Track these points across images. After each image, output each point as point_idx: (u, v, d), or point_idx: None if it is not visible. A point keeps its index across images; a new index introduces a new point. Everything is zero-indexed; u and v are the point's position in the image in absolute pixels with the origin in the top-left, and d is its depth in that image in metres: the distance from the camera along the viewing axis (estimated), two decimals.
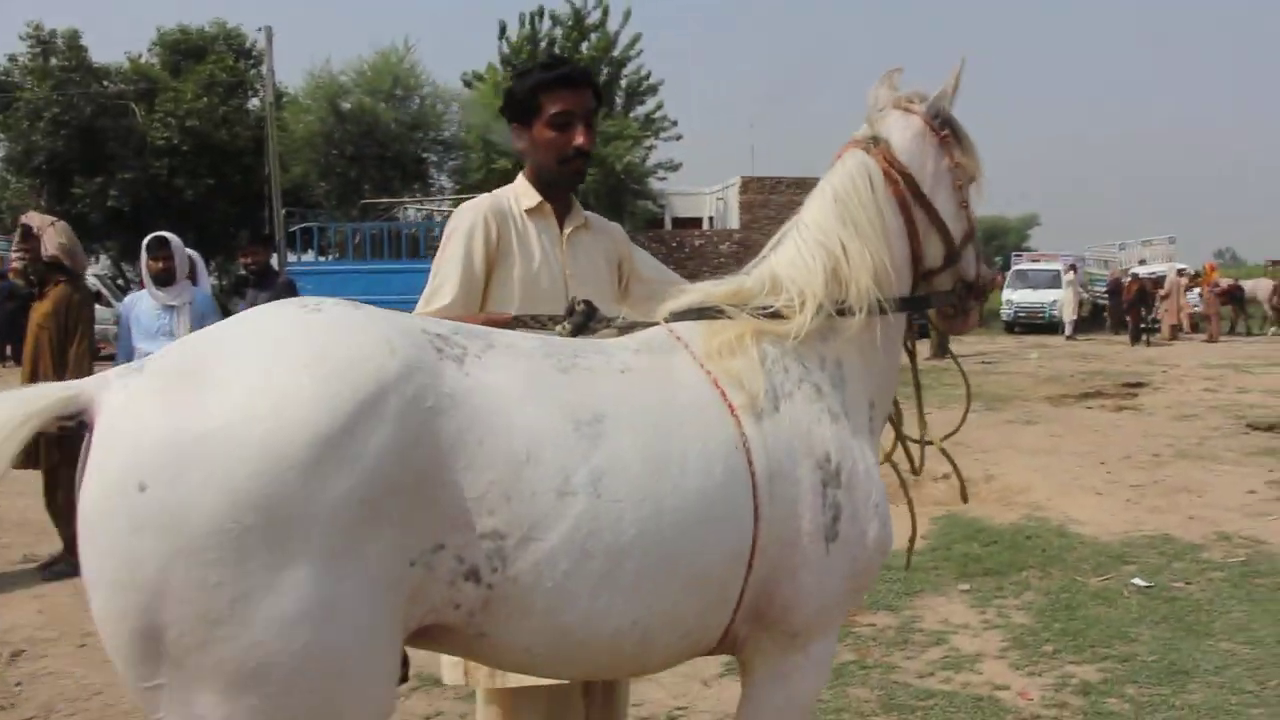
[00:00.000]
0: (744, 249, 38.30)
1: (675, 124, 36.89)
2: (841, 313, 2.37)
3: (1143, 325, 27.54)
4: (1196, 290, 31.00)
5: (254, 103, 28.47)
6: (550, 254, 2.93)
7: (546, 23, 35.94)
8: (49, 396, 1.78)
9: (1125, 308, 28.84)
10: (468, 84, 34.11)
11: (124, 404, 1.74)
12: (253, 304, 7.46)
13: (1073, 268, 32.26)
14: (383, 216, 21.96)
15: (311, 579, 1.68)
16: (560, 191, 3.00)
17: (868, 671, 4.71)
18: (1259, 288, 32.26)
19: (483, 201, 2.93)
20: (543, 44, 35.73)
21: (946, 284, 2.61)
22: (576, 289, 2.86)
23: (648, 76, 36.69)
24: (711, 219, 43.57)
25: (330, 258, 18.22)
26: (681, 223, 42.82)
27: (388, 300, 13.27)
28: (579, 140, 2.87)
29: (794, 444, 2.20)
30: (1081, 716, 4.29)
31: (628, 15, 36.29)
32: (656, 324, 2.41)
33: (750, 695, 2.36)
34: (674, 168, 37.35)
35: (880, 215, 2.44)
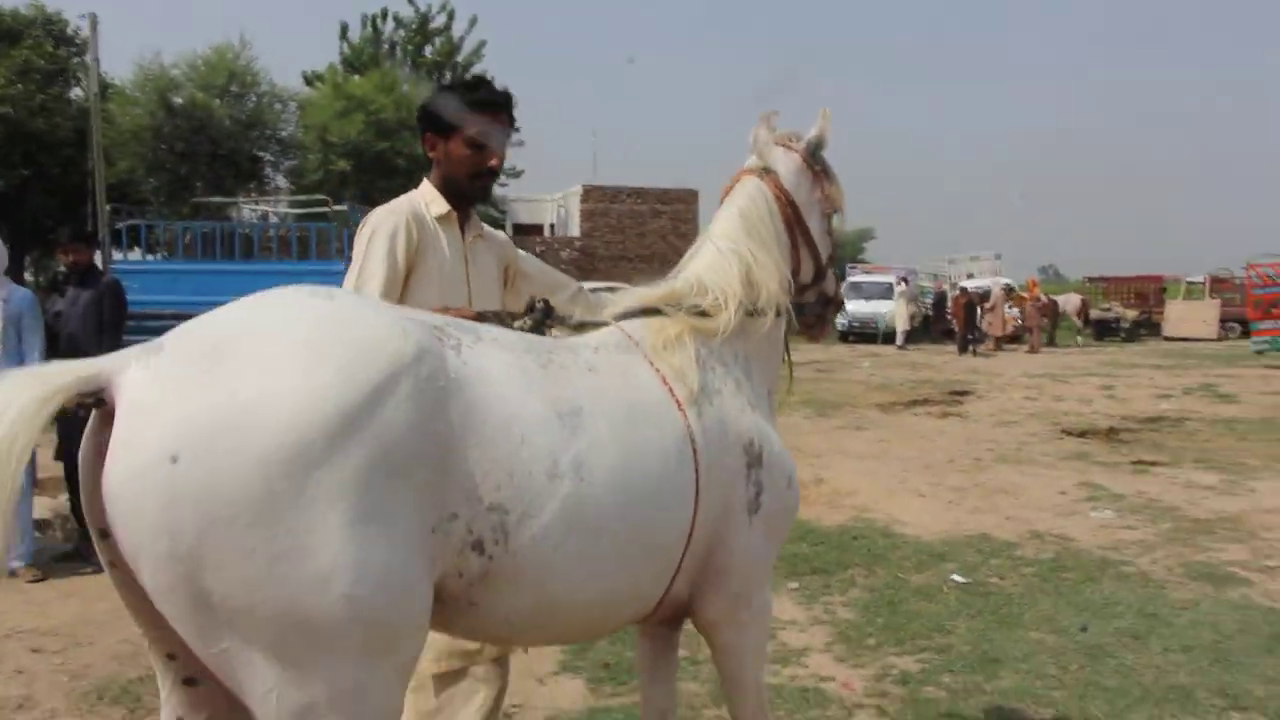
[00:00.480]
0: (585, 256, 38.54)
1: (518, 130, 36.77)
2: (751, 314, 2.74)
3: (970, 337, 28.79)
4: (1011, 307, 32.44)
5: (76, 92, 27.05)
6: (455, 259, 3.11)
7: (390, 25, 35.50)
8: (72, 374, 1.82)
9: (952, 320, 30.14)
10: (308, 83, 33.34)
11: (149, 381, 1.81)
12: (73, 304, 7.06)
13: (904, 280, 33.50)
14: (215, 216, 21.23)
15: (342, 540, 1.79)
16: (467, 203, 3.18)
17: (698, 666, 4.79)
18: (1068, 302, 34.24)
19: (402, 205, 3.07)
20: (385, 47, 35.23)
21: (811, 297, 3.05)
22: (476, 290, 3.12)
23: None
24: (553, 226, 43.58)
25: (158, 256, 17.51)
26: (523, 229, 42.69)
27: (219, 302, 12.74)
28: (492, 161, 3.09)
29: (724, 433, 2.54)
30: (901, 704, 4.46)
31: (473, 21, 36.15)
32: (606, 324, 2.70)
33: (722, 651, 2.77)
34: (516, 174, 37.31)
35: (776, 233, 2.85)
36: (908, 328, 31.17)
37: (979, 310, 29.85)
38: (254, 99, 28.16)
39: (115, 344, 6.92)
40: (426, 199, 3.15)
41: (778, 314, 2.80)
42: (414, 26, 35.60)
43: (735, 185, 2.93)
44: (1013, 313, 32.52)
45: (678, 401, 2.49)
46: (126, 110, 26.22)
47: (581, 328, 2.78)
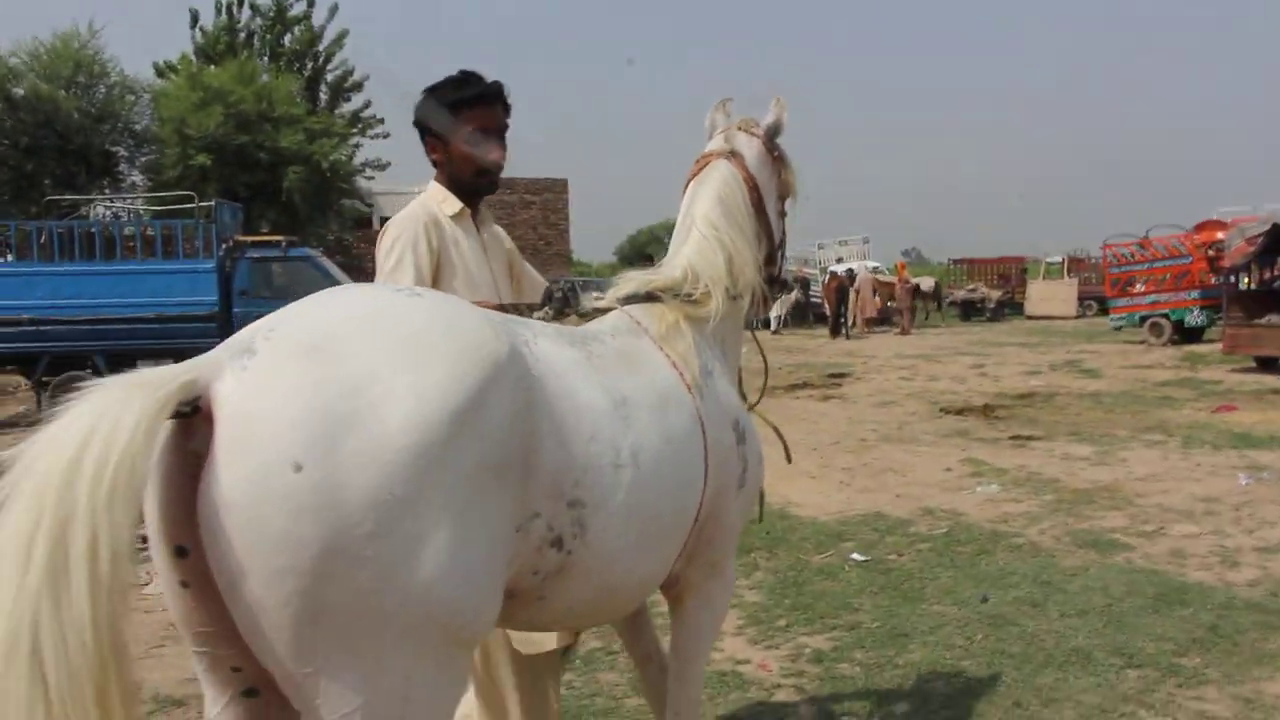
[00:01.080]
0: None
1: (383, 121, 36.05)
2: (733, 299, 2.88)
3: (841, 320, 29.37)
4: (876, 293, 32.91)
5: None
6: (476, 254, 3.17)
7: (246, 12, 34.31)
8: (175, 380, 1.71)
9: (823, 303, 30.72)
10: (160, 74, 32.03)
11: (255, 385, 1.73)
12: None
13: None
14: (68, 214, 20.25)
15: (449, 542, 1.77)
16: (477, 198, 3.22)
17: (614, 656, 4.75)
18: (923, 285, 35.29)
19: (416, 210, 3.11)
20: (241, 35, 34.04)
21: (764, 278, 3.10)
22: (500, 282, 3.21)
23: (352, 72, 35.66)
24: None
25: (7, 259, 16.61)
26: None
27: (81, 305, 12.27)
28: (494, 155, 3.10)
29: (720, 413, 2.65)
30: (818, 682, 4.49)
31: (334, 10, 35.10)
32: (613, 309, 2.76)
33: (684, 622, 2.85)
34: (382, 166, 36.38)
35: (749, 216, 2.97)
36: (780, 313, 31.63)
37: (850, 293, 30.47)
38: (104, 90, 26.86)
39: None
40: (438, 200, 3.17)
41: (754, 298, 2.96)
42: (271, 14, 34.47)
43: (705, 168, 3.01)
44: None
45: (687, 385, 2.58)
46: None
47: (592, 316, 2.83)
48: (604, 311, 2.80)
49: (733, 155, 3.02)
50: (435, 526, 1.75)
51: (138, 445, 1.62)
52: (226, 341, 1.88)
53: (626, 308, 2.74)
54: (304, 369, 1.74)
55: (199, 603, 1.83)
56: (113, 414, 1.64)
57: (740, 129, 3.11)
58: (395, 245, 3.03)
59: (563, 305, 2.88)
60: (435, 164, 3.19)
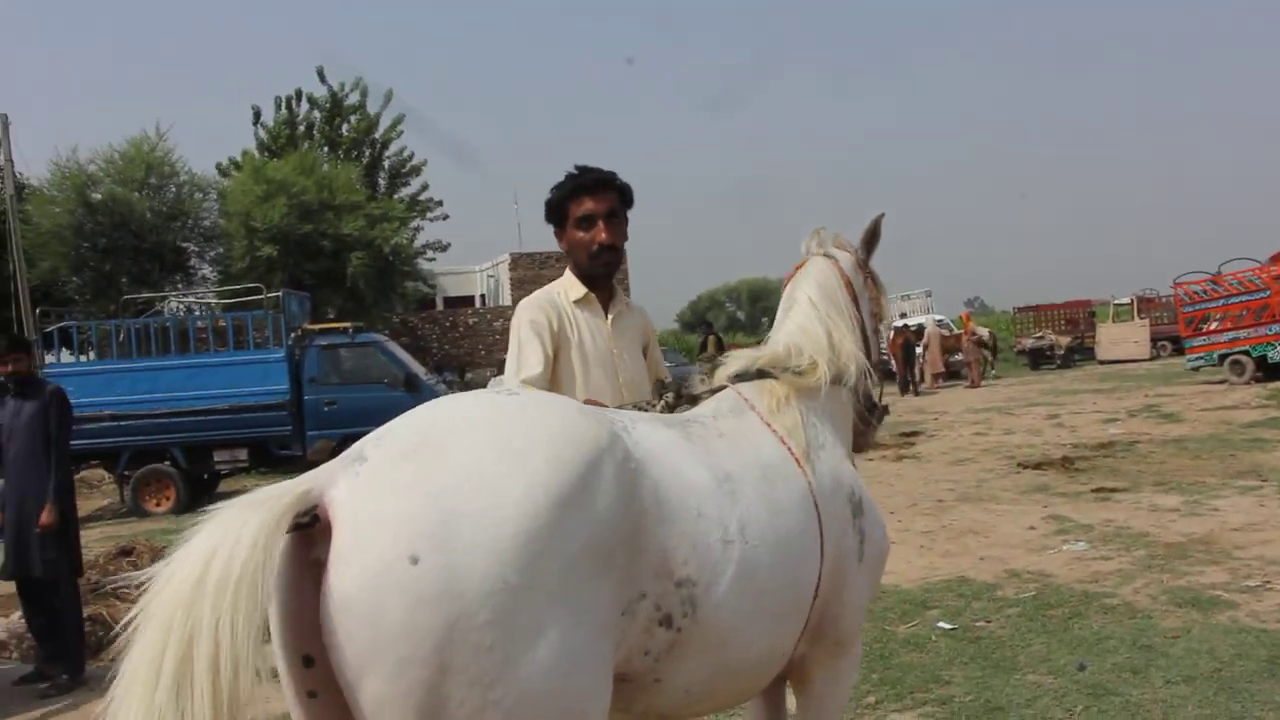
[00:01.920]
0: None
1: (441, 204, 36.76)
2: (836, 375, 2.91)
3: (909, 376, 29.00)
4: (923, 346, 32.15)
5: None
6: (598, 335, 3.34)
7: (304, 106, 35.27)
8: (291, 494, 1.82)
9: (890, 360, 30.36)
10: (224, 172, 32.93)
11: (367, 488, 1.82)
12: (16, 415, 6.68)
13: None
14: (144, 311, 20.78)
15: (561, 629, 1.81)
16: (601, 282, 3.40)
17: None
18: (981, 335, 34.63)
19: (539, 296, 3.34)
20: (301, 128, 34.97)
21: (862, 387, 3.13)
22: (621, 364, 3.34)
23: (411, 157, 36.45)
24: (484, 297, 43.46)
25: (89, 357, 17.07)
26: (454, 302, 42.51)
27: (158, 399, 12.44)
28: (601, 237, 3.27)
29: (834, 485, 2.65)
30: None
31: (389, 96, 36.01)
32: (724, 387, 2.84)
33: (812, 701, 2.79)
34: (443, 248, 37.09)
35: (845, 303, 3.06)
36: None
37: (917, 349, 30.12)
38: (174, 189, 27.70)
39: (62, 454, 6.61)
40: (565, 286, 3.39)
41: (855, 374, 2.97)
42: (328, 106, 35.40)
43: (803, 266, 3.18)
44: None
45: (796, 459, 2.61)
46: (44, 210, 25.65)
47: (699, 397, 2.91)
48: (715, 391, 2.87)
49: (828, 256, 3.19)
50: (549, 614, 1.79)
51: (258, 559, 1.71)
52: (341, 455, 1.96)
53: (736, 385, 2.82)
54: (412, 468, 1.83)
55: (326, 712, 1.89)
56: (234, 531, 1.73)
57: (836, 244, 3.29)
58: (521, 327, 3.27)
59: (676, 397, 2.95)
60: (567, 253, 3.41)
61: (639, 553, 2.03)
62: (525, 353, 3.22)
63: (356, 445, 1.95)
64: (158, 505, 15.08)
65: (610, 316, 3.41)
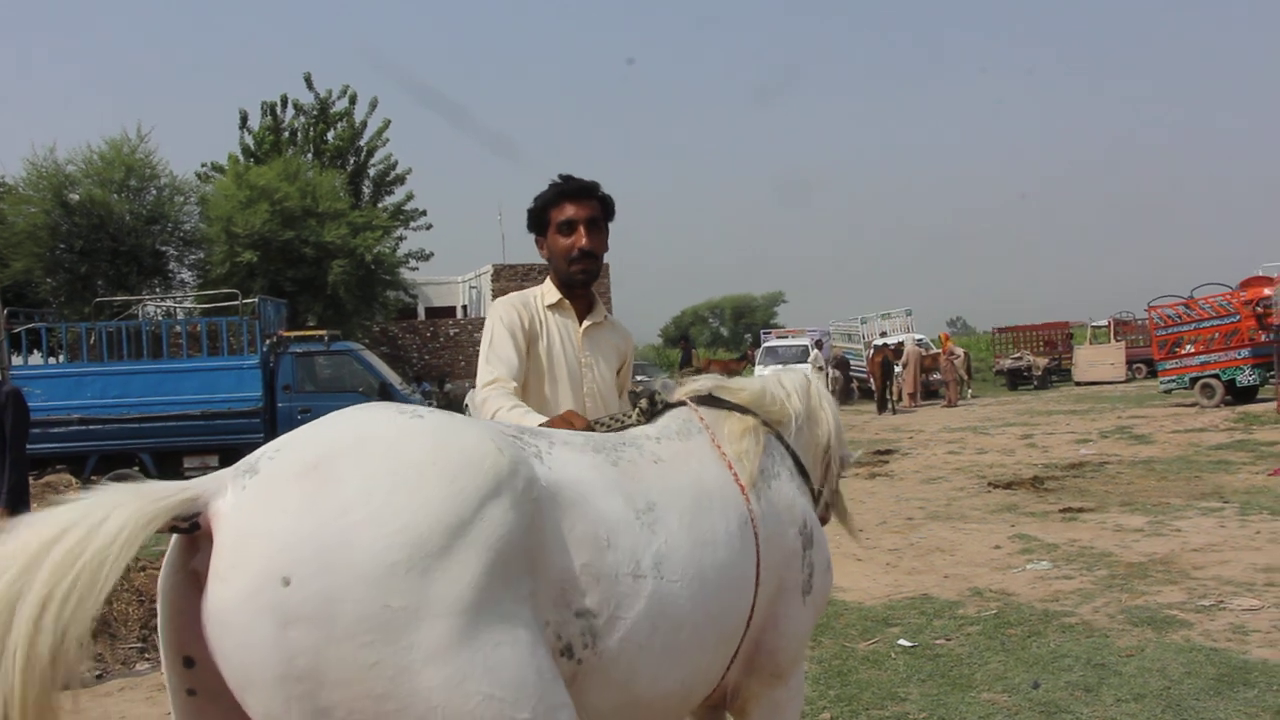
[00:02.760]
0: None
1: (424, 214, 36.75)
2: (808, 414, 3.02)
3: (887, 394, 29.08)
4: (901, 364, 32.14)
5: None
6: (567, 342, 3.39)
7: (290, 111, 35.26)
8: (174, 496, 1.81)
9: (869, 378, 30.44)
10: (207, 176, 32.85)
11: (251, 503, 1.81)
12: None
13: (818, 343, 33.79)
14: (119, 315, 20.68)
15: (467, 645, 1.81)
16: (578, 290, 3.44)
17: None
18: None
19: (513, 296, 3.41)
20: (285, 134, 34.94)
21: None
22: (586, 372, 3.40)
23: (395, 165, 36.45)
24: (465, 308, 43.42)
25: (60, 360, 16.96)
26: (435, 312, 42.47)
27: (129, 404, 12.38)
28: (581, 242, 3.31)
29: (781, 513, 2.66)
30: None
31: (374, 104, 35.99)
32: (684, 403, 2.84)
33: None
34: (425, 258, 37.07)
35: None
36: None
37: (896, 367, 30.21)
38: (154, 192, 27.53)
39: (19, 457, 6.57)
40: (542, 291, 3.46)
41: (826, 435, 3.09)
42: (314, 113, 35.39)
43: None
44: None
45: (740, 485, 2.60)
46: (20, 210, 25.47)
47: (656, 413, 2.90)
48: (672, 406, 2.86)
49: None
50: (449, 632, 1.79)
51: (114, 549, 1.69)
52: (237, 464, 1.94)
53: (697, 406, 2.82)
54: (300, 489, 1.81)
55: (203, 711, 1.94)
56: (100, 513, 1.72)
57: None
58: (495, 323, 3.33)
59: (650, 409, 2.87)
60: (547, 260, 3.46)
61: (540, 581, 2.01)
62: (497, 348, 3.25)
63: (253, 455, 1.94)
64: None
65: (584, 325, 3.45)
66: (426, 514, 1.83)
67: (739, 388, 2.93)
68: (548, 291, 3.44)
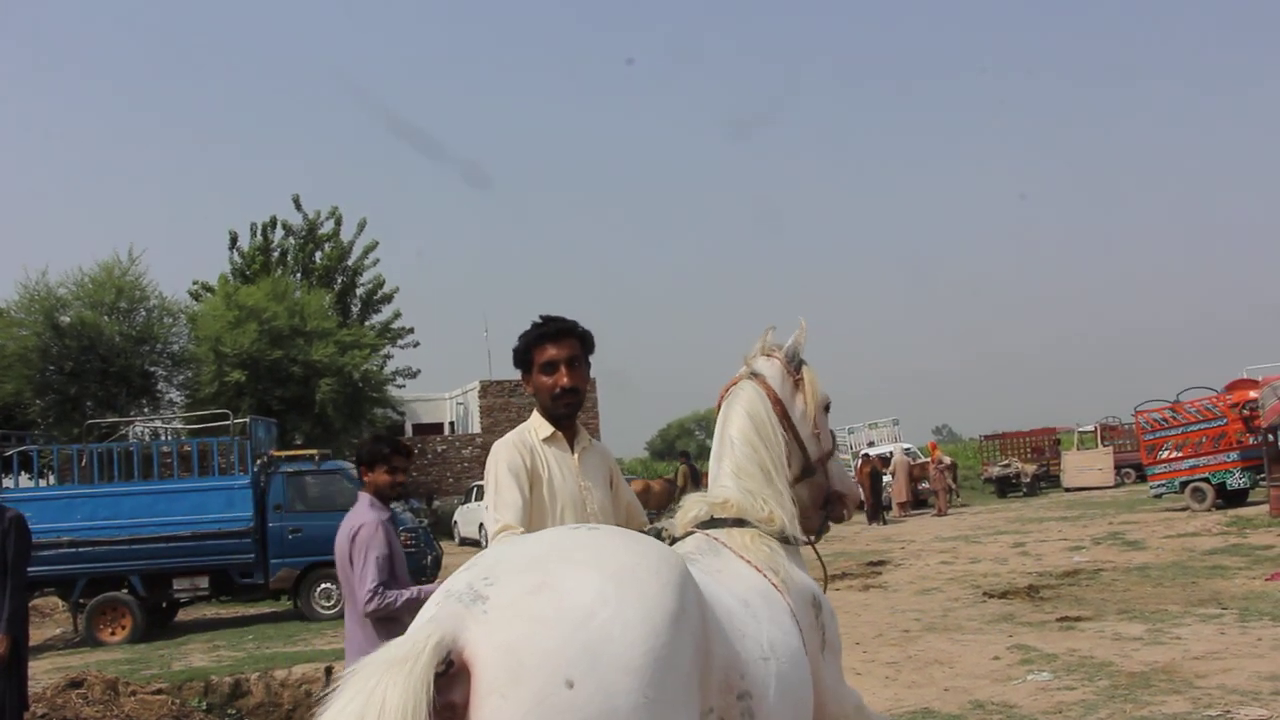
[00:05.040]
0: (487, 453, 38.01)
1: (412, 331, 37.07)
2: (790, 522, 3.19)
3: (876, 504, 28.96)
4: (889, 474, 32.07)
5: None
6: (566, 472, 3.55)
7: (279, 232, 35.77)
8: (427, 650, 1.89)
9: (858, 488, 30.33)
10: (196, 296, 33.13)
11: (509, 625, 1.95)
12: None
13: None
14: (108, 436, 20.63)
15: None
16: (565, 421, 3.62)
17: None
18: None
19: (512, 437, 3.57)
20: (275, 254, 35.39)
21: (804, 492, 3.42)
22: (587, 496, 3.55)
23: (383, 284, 36.87)
24: (453, 424, 43.42)
25: (50, 482, 16.84)
26: (423, 428, 42.42)
27: (119, 526, 12.25)
28: (563, 381, 3.52)
29: (800, 597, 2.93)
30: None
31: (362, 225, 36.59)
32: (694, 533, 3.08)
33: None
34: (412, 375, 37.27)
35: (776, 431, 3.27)
36: None
37: (885, 477, 30.16)
38: (144, 313, 27.72)
39: (19, 583, 6.51)
40: (534, 426, 3.62)
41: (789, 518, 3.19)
42: (303, 233, 35.91)
43: (733, 387, 3.40)
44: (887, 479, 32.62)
45: (774, 584, 2.86)
46: (11, 332, 25.60)
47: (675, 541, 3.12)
48: (686, 535, 3.11)
49: (754, 375, 3.39)
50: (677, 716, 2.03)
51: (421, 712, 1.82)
52: (440, 595, 2.09)
53: (709, 531, 3.06)
54: (542, 603, 1.98)
55: None
56: (378, 697, 1.83)
57: (761, 352, 3.48)
58: (497, 467, 3.47)
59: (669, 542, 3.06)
60: (534, 396, 3.64)
61: (709, 670, 2.22)
62: (503, 495, 3.39)
63: (458, 584, 2.08)
64: (113, 634, 14.68)
65: (576, 453, 3.64)
66: (655, 606, 2.04)
67: (721, 500, 3.15)
68: (539, 426, 3.62)
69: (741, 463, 3.23)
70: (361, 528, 5.04)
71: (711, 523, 3.09)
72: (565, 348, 3.57)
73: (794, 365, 3.47)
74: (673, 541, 3.08)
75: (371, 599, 4.88)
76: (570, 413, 3.61)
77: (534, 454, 3.53)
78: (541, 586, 2.02)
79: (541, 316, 3.63)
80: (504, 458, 3.49)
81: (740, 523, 3.08)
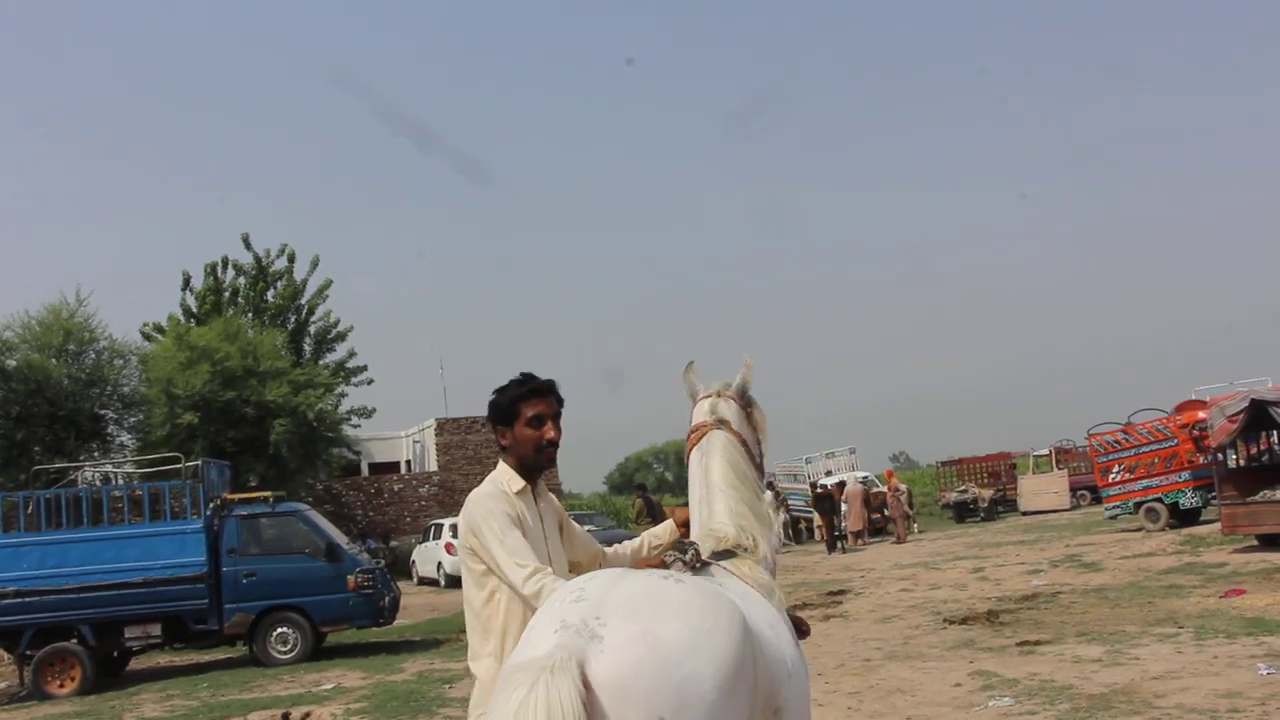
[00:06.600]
0: (444, 490, 37.94)
1: (366, 369, 36.72)
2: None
3: (836, 534, 29.03)
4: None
5: None
6: (535, 523, 3.75)
7: (230, 272, 35.40)
8: (572, 664, 2.42)
9: (815, 517, 30.37)
10: (147, 337, 32.71)
11: (617, 664, 2.44)
12: None
13: (770, 486, 33.78)
14: (56, 481, 20.25)
15: None
16: (536, 474, 3.86)
17: None
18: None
19: (490, 489, 3.75)
20: (226, 294, 35.02)
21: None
22: (552, 546, 3.80)
23: (337, 323, 36.54)
24: (409, 462, 43.03)
25: None
26: (379, 468, 41.99)
27: (67, 574, 12.05)
28: (550, 434, 3.76)
29: (783, 612, 3.29)
30: None
31: (315, 262, 36.28)
32: (710, 563, 3.38)
33: None
34: (368, 414, 36.77)
35: (750, 469, 3.70)
36: (777, 530, 31.17)
37: (841, 506, 30.20)
38: (93, 355, 27.26)
39: None
40: (505, 478, 3.79)
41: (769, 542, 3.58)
42: (254, 272, 35.57)
43: (704, 437, 3.73)
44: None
45: (775, 608, 3.22)
46: None
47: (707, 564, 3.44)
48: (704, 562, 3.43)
49: (722, 423, 3.70)
50: None
51: (581, 712, 2.34)
52: (557, 625, 2.55)
53: (719, 562, 3.40)
54: (646, 649, 2.46)
55: None
56: (554, 689, 2.34)
57: (719, 395, 3.80)
58: (496, 518, 3.61)
59: (696, 559, 3.33)
60: (504, 448, 3.85)
61: (756, 695, 2.65)
62: (513, 543, 3.56)
63: (574, 619, 2.54)
64: (61, 687, 14.24)
65: (540, 505, 3.87)
66: (726, 659, 2.52)
67: (722, 535, 3.48)
68: (511, 479, 3.80)
69: (732, 505, 3.57)
70: None
71: (721, 554, 3.40)
72: (550, 404, 3.82)
73: (745, 401, 3.82)
74: (699, 558, 3.34)
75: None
76: (550, 464, 3.90)
77: (514, 505, 3.72)
78: (645, 634, 2.49)
79: (523, 374, 3.88)
80: (496, 508, 3.66)
81: (731, 553, 3.41)
